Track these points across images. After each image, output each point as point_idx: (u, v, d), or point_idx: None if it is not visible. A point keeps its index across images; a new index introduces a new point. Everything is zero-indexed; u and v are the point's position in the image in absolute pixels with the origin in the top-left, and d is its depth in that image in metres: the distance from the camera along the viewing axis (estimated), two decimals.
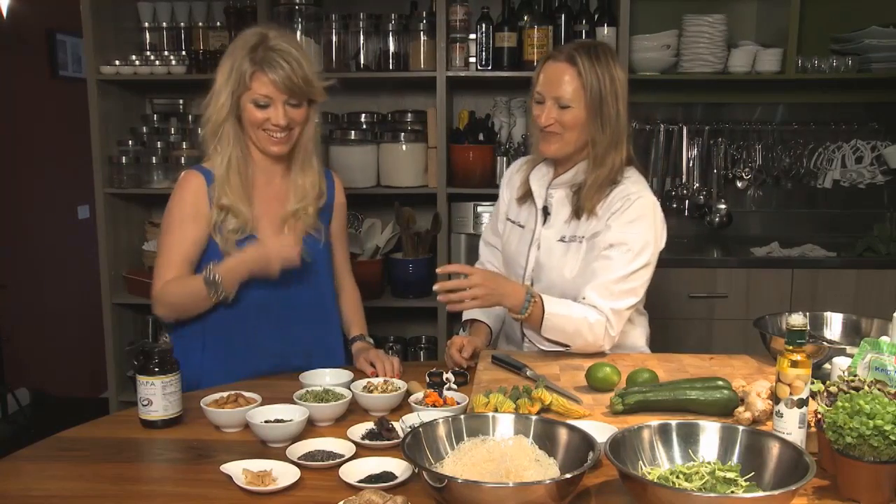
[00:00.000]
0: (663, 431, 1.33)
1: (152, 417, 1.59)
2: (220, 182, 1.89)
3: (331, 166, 3.33)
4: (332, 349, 2.07)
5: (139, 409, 1.60)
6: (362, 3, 3.45)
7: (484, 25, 3.25)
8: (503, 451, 1.29)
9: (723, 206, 3.62)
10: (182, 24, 3.52)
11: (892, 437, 1.19)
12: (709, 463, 1.25)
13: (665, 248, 2.03)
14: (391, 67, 3.31)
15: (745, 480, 1.22)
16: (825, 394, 1.41)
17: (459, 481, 1.17)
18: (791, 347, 1.36)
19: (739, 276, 3.20)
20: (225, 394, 1.65)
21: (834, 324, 1.98)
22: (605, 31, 3.23)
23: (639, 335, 2.11)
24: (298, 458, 1.40)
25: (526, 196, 2.09)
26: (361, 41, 3.34)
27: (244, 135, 1.93)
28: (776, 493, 1.14)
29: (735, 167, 3.66)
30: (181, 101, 3.64)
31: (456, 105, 3.60)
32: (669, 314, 3.20)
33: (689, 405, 1.58)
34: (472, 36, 3.31)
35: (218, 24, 3.48)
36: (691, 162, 3.65)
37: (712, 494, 1.17)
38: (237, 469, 1.36)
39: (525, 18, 3.26)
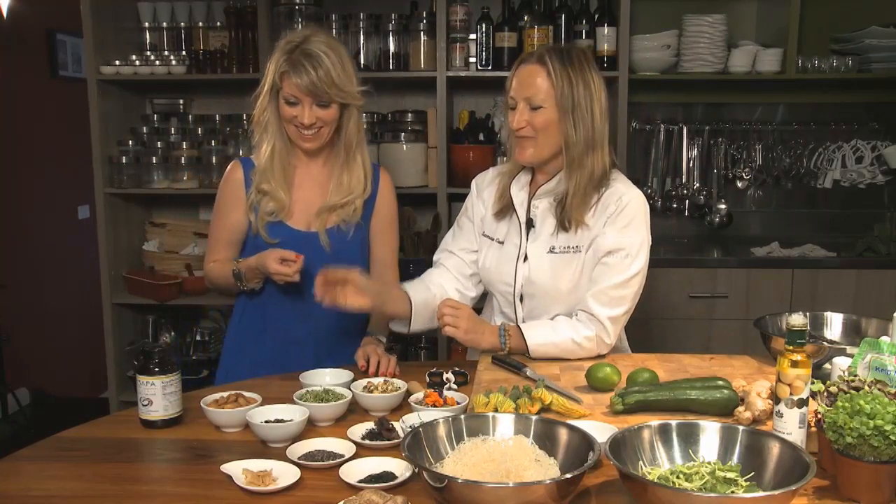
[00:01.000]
0: (663, 431, 1.33)
1: (152, 417, 1.59)
2: (262, 169, 2.02)
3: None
4: (353, 339, 2.09)
5: (139, 409, 1.60)
6: (362, 3, 3.46)
7: (484, 25, 3.25)
8: (503, 451, 1.29)
9: (723, 206, 3.63)
10: (182, 24, 3.52)
11: (893, 437, 1.19)
12: (709, 463, 1.25)
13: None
14: (391, 67, 3.31)
15: (745, 480, 1.22)
16: (825, 394, 1.41)
17: (459, 481, 1.17)
18: (791, 347, 1.36)
19: (739, 276, 3.20)
20: (225, 394, 1.65)
21: (834, 324, 1.98)
22: (605, 31, 3.23)
23: (620, 337, 2.12)
24: (298, 458, 1.40)
25: (505, 210, 2.03)
26: (361, 41, 3.34)
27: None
28: (776, 493, 1.14)
29: (735, 167, 3.66)
30: (181, 101, 3.64)
31: (456, 105, 3.60)
32: (669, 314, 3.20)
33: (689, 405, 1.58)
34: (473, 36, 3.32)
35: (218, 24, 3.48)
36: (691, 162, 3.66)
37: (712, 494, 1.17)
38: (237, 469, 1.36)
39: (525, 18, 3.26)
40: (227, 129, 3.38)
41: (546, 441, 1.34)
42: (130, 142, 3.39)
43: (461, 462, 1.27)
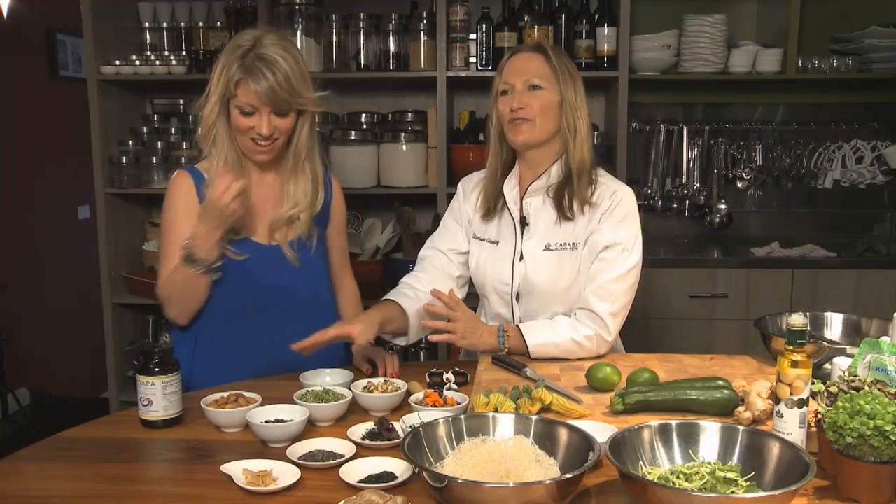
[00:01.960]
0: (663, 431, 1.33)
1: (152, 417, 1.59)
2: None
3: (331, 166, 3.33)
4: (329, 352, 2.06)
5: (139, 409, 1.60)
6: (362, 3, 3.46)
7: (484, 25, 3.25)
8: (503, 451, 1.29)
9: (723, 206, 3.63)
10: (182, 24, 3.52)
11: (893, 437, 1.19)
12: (709, 463, 1.25)
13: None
14: (391, 67, 3.31)
15: (746, 480, 1.22)
16: (825, 394, 1.41)
17: (460, 481, 1.17)
18: (791, 347, 1.36)
19: (740, 276, 3.20)
20: (225, 394, 1.65)
21: (834, 324, 1.98)
22: (605, 31, 3.23)
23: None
24: (298, 458, 1.40)
25: (493, 210, 2.02)
26: (362, 41, 3.34)
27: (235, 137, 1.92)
28: (776, 493, 1.14)
29: (735, 167, 3.66)
30: (181, 101, 3.64)
31: (456, 105, 3.60)
32: (669, 314, 3.20)
33: (690, 405, 1.58)
34: (473, 36, 3.32)
35: (218, 24, 3.48)
36: (691, 162, 3.66)
37: (712, 494, 1.17)
38: (237, 469, 1.36)
39: (525, 18, 3.26)
40: None
41: (546, 441, 1.34)
42: (130, 142, 3.39)
43: (461, 462, 1.27)
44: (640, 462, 1.29)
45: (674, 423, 1.34)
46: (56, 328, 4.52)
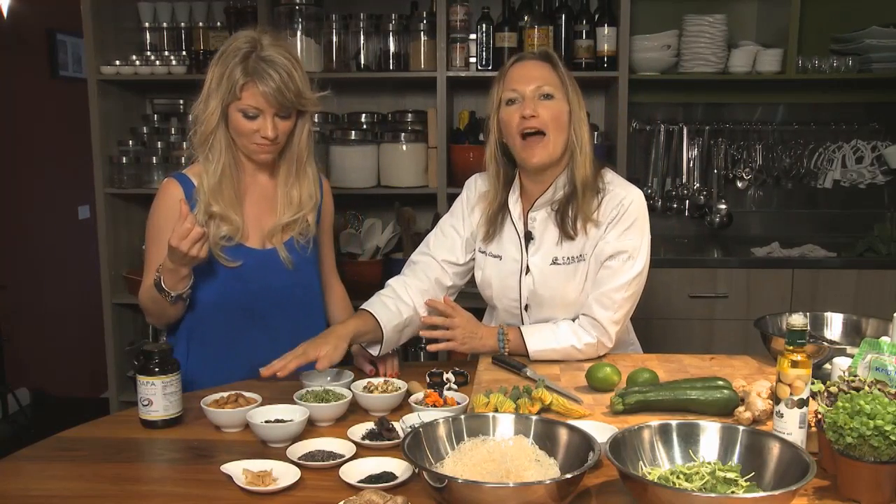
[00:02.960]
0: (663, 431, 1.33)
1: (152, 417, 1.59)
2: (211, 190, 1.86)
3: (331, 166, 3.33)
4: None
5: (139, 409, 1.60)
6: (362, 3, 3.46)
7: (484, 25, 3.25)
8: (503, 452, 1.29)
9: (723, 207, 3.62)
10: (182, 24, 3.52)
11: (893, 438, 1.19)
12: (709, 463, 1.25)
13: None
14: (391, 67, 3.31)
15: (746, 480, 1.22)
16: (825, 394, 1.41)
17: (460, 481, 1.17)
18: (791, 347, 1.36)
19: (740, 276, 3.20)
20: (225, 394, 1.65)
21: (834, 324, 1.98)
22: (605, 31, 3.23)
23: (627, 330, 2.11)
24: (298, 458, 1.40)
25: (498, 224, 1.98)
26: (362, 41, 3.34)
27: (233, 142, 1.89)
28: (776, 493, 1.14)
29: (735, 167, 3.66)
30: (181, 101, 3.64)
31: (456, 105, 3.60)
32: (669, 314, 3.20)
33: (690, 405, 1.58)
34: (473, 36, 3.32)
35: (218, 24, 3.48)
36: (691, 162, 3.66)
37: (712, 494, 1.17)
38: (237, 469, 1.36)
39: (525, 18, 3.26)
40: None
41: (546, 441, 1.34)
42: (130, 142, 3.39)
43: (461, 462, 1.27)
44: (640, 462, 1.29)
45: (674, 423, 1.34)
46: (56, 328, 4.52)
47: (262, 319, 1.94)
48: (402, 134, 3.32)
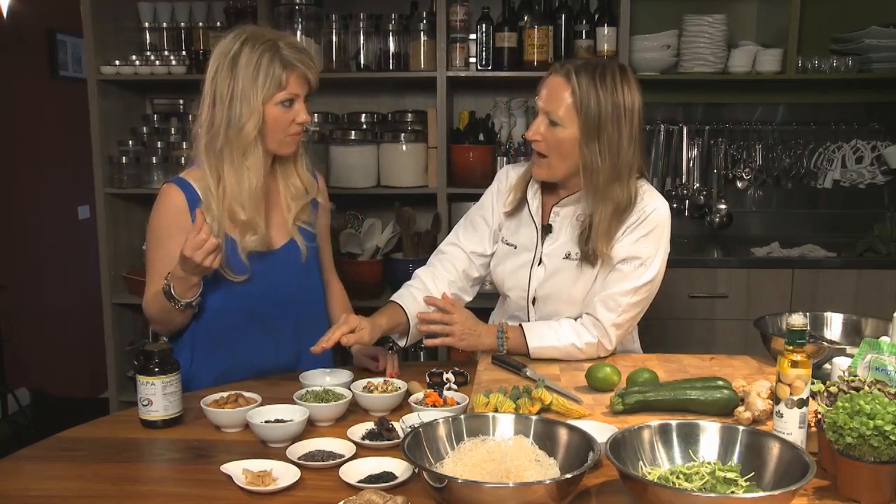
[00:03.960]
0: (663, 431, 1.33)
1: (152, 417, 1.59)
2: (242, 198, 1.81)
3: (331, 166, 3.33)
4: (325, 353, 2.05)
5: (139, 409, 1.60)
6: (362, 3, 3.46)
7: (484, 25, 3.25)
8: (503, 452, 1.29)
9: (723, 206, 3.63)
10: (182, 24, 3.52)
11: (893, 438, 1.19)
12: (709, 463, 1.25)
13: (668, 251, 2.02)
14: (391, 67, 3.31)
15: (745, 480, 1.22)
16: (825, 394, 1.41)
17: (459, 481, 1.17)
18: (791, 347, 1.36)
19: (740, 276, 3.20)
20: (225, 394, 1.65)
21: (834, 324, 1.98)
22: (605, 31, 3.23)
23: (633, 338, 2.12)
24: (298, 458, 1.40)
25: (517, 211, 2.00)
26: (362, 41, 3.34)
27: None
28: (776, 493, 1.14)
29: (735, 167, 3.66)
30: (181, 101, 3.64)
31: (456, 105, 3.60)
32: (669, 314, 3.20)
33: (689, 405, 1.58)
34: (473, 36, 3.32)
35: (218, 24, 3.48)
36: (691, 162, 3.66)
37: (712, 494, 1.17)
38: (237, 469, 1.36)
39: (525, 18, 3.26)
40: None
41: (546, 441, 1.34)
42: (130, 142, 3.39)
43: (461, 462, 1.27)
44: (640, 462, 1.29)
45: (674, 423, 1.34)
46: (56, 328, 4.52)
47: (266, 323, 1.94)
48: (402, 134, 3.32)
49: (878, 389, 1.34)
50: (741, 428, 1.33)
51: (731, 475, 1.21)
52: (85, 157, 3.42)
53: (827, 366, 1.71)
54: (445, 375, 1.80)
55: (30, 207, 4.38)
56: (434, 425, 1.36)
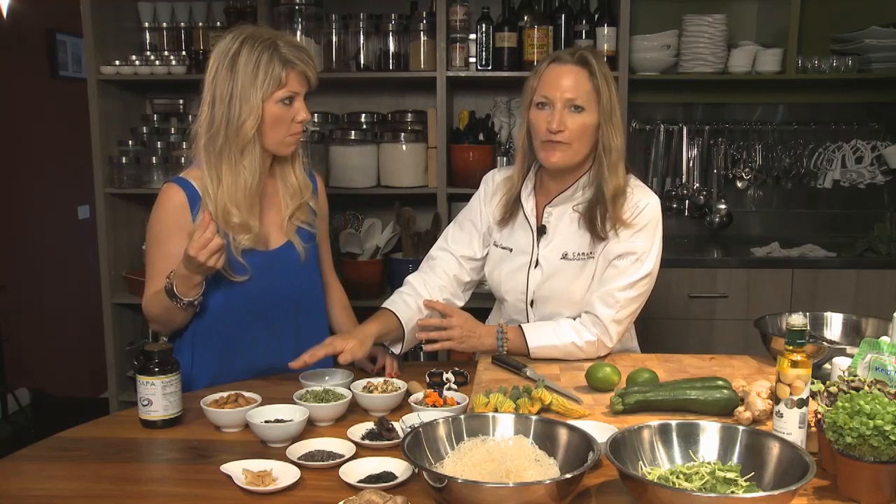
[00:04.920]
0: (663, 431, 1.33)
1: (152, 417, 1.59)
2: (237, 200, 1.81)
3: (331, 166, 3.33)
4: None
5: (139, 409, 1.60)
6: (362, 3, 3.46)
7: (484, 25, 3.25)
8: (503, 451, 1.29)
9: (723, 206, 3.63)
10: (182, 24, 3.52)
11: (892, 437, 1.19)
12: (709, 463, 1.25)
13: (665, 248, 2.02)
14: (391, 67, 3.31)
15: (745, 480, 1.22)
16: (825, 394, 1.41)
17: (459, 481, 1.17)
18: (791, 347, 1.36)
19: (740, 276, 3.20)
20: (225, 394, 1.65)
21: (834, 324, 1.98)
22: (605, 31, 3.23)
23: (632, 336, 2.12)
24: (298, 458, 1.40)
25: (510, 217, 2.00)
26: (361, 41, 3.34)
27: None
28: (776, 493, 1.14)
29: (735, 167, 3.66)
30: (181, 101, 3.64)
31: (456, 105, 3.60)
32: (669, 314, 3.20)
33: (689, 405, 1.58)
34: (472, 36, 3.31)
35: (218, 24, 3.48)
36: (691, 162, 3.66)
37: (712, 494, 1.17)
38: (237, 469, 1.36)
39: (525, 18, 3.26)
40: None
41: (546, 441, 1.34)
42: (130, 142, 3.39)
43: (461, 462, 1.27)
44: (640, 462, 1.29)
45: (674, 423, 1.34)
46: (56, 328, 4.52)
47: (267, 322, 1.94)
48: (402, 134, 3.32)
49: (878, 389, 1.34)
50: (741, 428, 1.33)
51: (731, 475, 1.21)
52: (85, 157, 3.42)
53: (827, 366, 1.71)
54: (445, 375, 1.80)
55: (30, 207, 4.38)
56: (434, 425, 1.36)
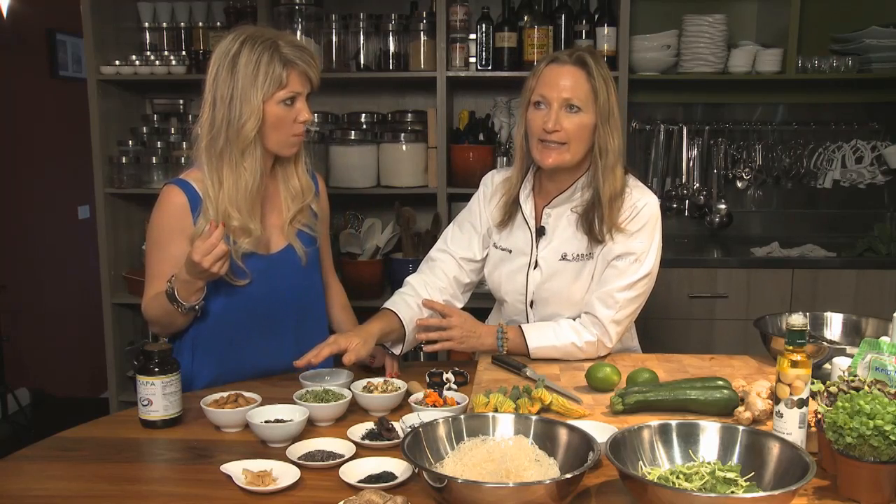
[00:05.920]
0: (663, 431, 1.33)
1: (152, 417, 1.59)
2: (237, 202, 1.80)
3: (331, 166, 3.33)
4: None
5: (139, 409, 1.60)
6: (362, 3, 3.46)
7: (484, 25, 3.25)
8: (503, 451, 1.29)
9: (723, 206, 3.63)
10: (182, 24, 3.52)
11: (892, 437, 1.19)
12: (709, 463, 1.25)
13: (665, 248, 2.02)
14: (391, 67, 3.31)
15: (745, 480, 1.22)
16: (825, 394, 1.41)
17: (459, 481, 1.17)
18: (791, 347, 1.36)
19: (740, 276, 3.20)
20: (225, 394, 1.65)
21: (834, 324, 1.98)
22: (605, 31, 3.23)
23: (632, 336, 2.12)
24: (298, 458, 1.40)
25: (509, 219, 2.00)
26: (361, 41, 3.34)
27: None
28: (776, 493, 1.14)
29: (735, 167, 3.66)
30: (181, 101, 3.64)
31: (456, 105, 3.60)
32: (669, 314, 3.20)
33: (689, 405, 1.58)
34: (472, 36, 3.32)
35: (218, 24, 3.48)
36: (691, 162, 3.66)
37: (712, 494, 1.17)
38: (237, 469, 1.36)
39: (525, 18, 3.26)
40: None
41: (546, 441, 1.34)
42: (130, 142, 3.39)
43: (461, 462, 1.27)
44: (640, 462, 1.29)
45: (674, 423, 1.34)
46: (56, 328, 4.52)
47: (268, 325, 1.93)
48: (402, 134, 3.32)
49: (878, 389, 1.34)
50: (741, 428, 1.33)
51: (731, 475, 1.21)
52: (85, 157, 3.42)
53: (827, 366, 1.71)
54: (445, 375, 1.80)
55: (30, 207, 4.38)
56: (434, 425, 1.36)
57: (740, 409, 1.53)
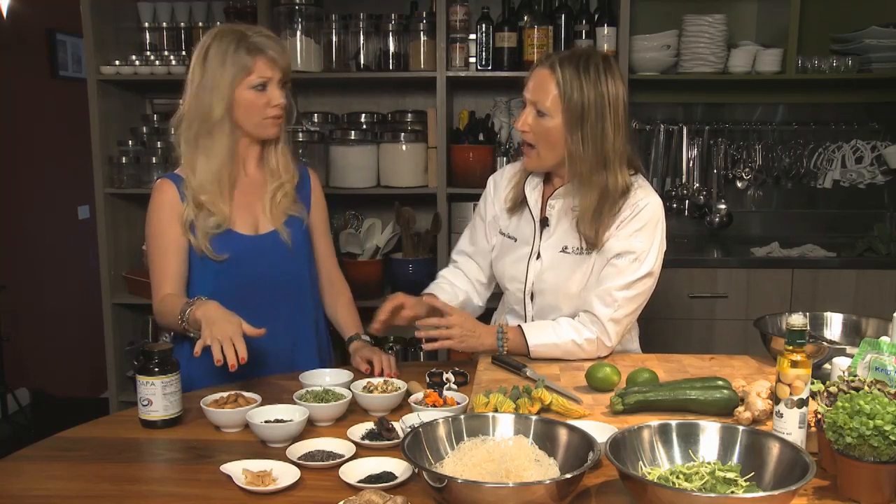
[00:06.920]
0: (663, 431, 1.33)
1: (152, 417, 1.59)
2: (204, 182, 1.90)
3: (331, 166, 3.33)
4: (309, 338, 2.07)
5: (139, 409, 1.60)
6: (362, 3, 3.46)
7: (484, 25, 3.25)
8: (503, 451, 1.29)
9: (723, 206, 3.63)
10: (182, 24, 3.52)
11: (892, 437, 1.19)
12: (709, 463, 1.25)
13: (666, 247, 2.02)
14: (391, 67, 3.31)
15: (745, 480, 1.22)
16: (825, 394, 1.41)
17: (459, 481, 1.17)
18: (791, 347, 1.36)
19: (739, 276, 3.20)
20: (225, 394, 1.65)
21: (834, 324, 1.98)
22: (605, 31, 3.23)
23: (632, 338, 2.12)
24: (298, 458, 1.41)
25: (518, 206, 2.03)
26: (361, 41, 3.34)
27: (236, 127, 1.94)
28: (776, 493, 1.14)
29: (735, 167, 3.66)
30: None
31: (456, 105, 3.60)
32: (669, 314, 3.20)
33: (689, 405, 1.58)
34: (472, 36, 3.31)
35: (218, 24, 3.47)
36: (691, 162, 3.66)
37: (712, 494, 1.17)
38: (237, 469, 1.36)
39: (525, 18, 3.26)
40: None
41: (546, 441, 1.34)
42: (130, 142, 3.39)
43: (461, 462, 1.27)
44: (640, 462, 1.29)
45: (673, 423, 1.34)
46: (56, 328, 4.52)
47: (256, 311, 1.91)
48: (402, 134, 3.31)
49: (878, 389, 1.34)
50: (741, 428, 1.33)
51: (730, 475, 1.21)
52: (85, 157, 3.42)
53: (827, 366, 1.71)
54: (445, 375, 1.80)
55: (30, 207, 4.38)
56: (434, 425, 1.36)
57: (740, 409, 1.53)
